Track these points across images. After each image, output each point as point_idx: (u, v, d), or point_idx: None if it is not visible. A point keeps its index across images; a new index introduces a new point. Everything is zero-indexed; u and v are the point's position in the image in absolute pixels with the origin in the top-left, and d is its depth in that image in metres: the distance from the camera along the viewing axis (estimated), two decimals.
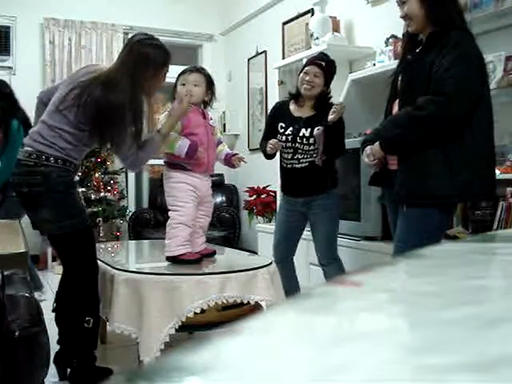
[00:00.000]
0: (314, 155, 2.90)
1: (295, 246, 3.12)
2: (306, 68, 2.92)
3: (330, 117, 2.76)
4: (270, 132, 3.02)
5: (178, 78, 2.55)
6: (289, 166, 2.97)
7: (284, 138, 2.94)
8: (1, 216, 3.16)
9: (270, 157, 3.03)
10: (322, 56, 3.04)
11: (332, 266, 2.97)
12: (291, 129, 2.93)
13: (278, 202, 3.24)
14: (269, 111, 3.25)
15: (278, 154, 3.06)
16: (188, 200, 2.45)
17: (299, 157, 2.92)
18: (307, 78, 2.89)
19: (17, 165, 2.26)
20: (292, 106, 3.01)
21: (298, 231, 3.10)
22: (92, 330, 2.34)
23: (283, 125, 2.96)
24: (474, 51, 2.06)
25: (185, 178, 2.46)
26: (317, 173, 2.91)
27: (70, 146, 2.25)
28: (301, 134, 2.91)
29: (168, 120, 2.38)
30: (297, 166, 2.94)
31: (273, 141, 2.89)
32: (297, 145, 2.91)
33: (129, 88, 2.19)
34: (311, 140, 2.89)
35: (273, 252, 3.12)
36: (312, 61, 2.96)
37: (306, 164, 2.92)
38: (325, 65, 2.93)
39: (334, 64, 3.02)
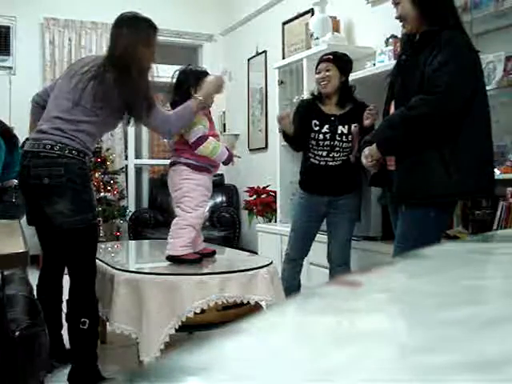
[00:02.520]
0: (349, 153, 2.91)
1: (310, 246, 3.07)
2: (318, 68, 2.95)
3: (366, 122, 2.76)
4: (302, 128, 2.95)
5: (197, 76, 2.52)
6: (322, 162, 2.92)
7: (321, 136, 2.90)
8: None
9: (293, 140, 2.97)
10: (331, 52, 3.06)
11: (345, 268, 2.96)
12: (327, 126, 2.90)
13: (297, 200, 3.13)
14: (294, 109, 3.17)
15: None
16: (202, 204, 2.47)
17: (335, 154, 2.90)
18: (320, 75, 2.90)
19: (34, 157, 2.23)
20: (323, 105, 2.97)
21: (315, 232, 3.07)
22: (89, 332, 2.27)
23: (317, 122, 2.91)
24: (466, 49, 2.06)
25: (205, 180, 2.47)
26: (348, 171, 2.93)
27: (90, 138, 2.28)
28: (339, 132, 2.89)
29: (205, 89, 2.40)
30: (331, 163, 2.91)
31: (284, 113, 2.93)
32: (336, 142, 2.89)
33: (131, 63, 2.22)
34: (350, 137, 2.89)
35: (288, 250, 3.06)
36: (320, 59, 2.99)
37: (340, 162, 2.91)
38: (333, 57, 2.94)
39: (346, 56, 3.02)
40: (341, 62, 2.94)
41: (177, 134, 2.44)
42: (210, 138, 2.43)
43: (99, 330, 2.68)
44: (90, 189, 2.32)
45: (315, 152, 2.94)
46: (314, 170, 2.97)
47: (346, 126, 2.89)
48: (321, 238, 3.10)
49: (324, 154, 2.91)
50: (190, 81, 2.48)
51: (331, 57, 2.94)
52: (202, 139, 2.40)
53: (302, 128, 2.95)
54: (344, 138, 2.89)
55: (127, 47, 2.23)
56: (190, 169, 2.44)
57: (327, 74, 2.89)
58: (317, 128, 2.91)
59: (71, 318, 2.29)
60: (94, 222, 2.32)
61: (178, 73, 2.54)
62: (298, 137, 2.96)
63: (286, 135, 3.00)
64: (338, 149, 2.89)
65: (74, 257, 2.32)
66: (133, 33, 2.25)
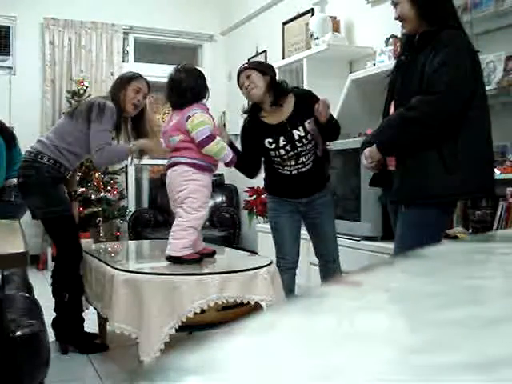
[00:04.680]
0: (315, 149, 2.78)
1: (299, 246, 2.96)
2: (239, 82, 2.78)
3: (322, 119, 2.62)
4: (252, 151, 2.82)
5: (205, 79, 2.59)
6: (294, 172, 2.77)
7: (282, 151, 2.73)
8: None
9: (245, 167, 2.84)
10: (244, 63, 2.91)
11: (337, 263, 2.91)
12: (283, 138, 2.71)
13: (268, 205, 2.98)
14: (240, 132, 2.95)
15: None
16: (205, 206, 2.47)
17: (304, 159, 2.75)
18: (245, 84, 2.73)
19: (22, 163, 2.90)
20: (266, 118, 2.78)
21: (300, 231, 2.96)
22: (69, 303, 2.83)
23: (270, 140, 2.73)
24: (466, 49, 2.06)
25: (208, 181, 2.48)
26: (319, 168, 2.82)
27: (71, 155, 2.86)
28: (297, 138, 2.71)
29: (141, 143, 2.89)
30: (302, 169, 2.77)
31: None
32: (299, 149, 2.72)
33: (107, 98, 2.93)
34: (309, 137, 2.73)
35: (283, 258, 2.89)
36: (237, 73, 2.81)
37: (311, 164, 2.77)
38: (249, 64, 2.82)
39: (263, 62, 2.99)
40: (257, 64, 2.84)
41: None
42: (218, 137, 2.46)
43: (100, 330, 2.88)
44: (58, 188, 2.87)
45: (282, 164, 2.77)
46: (287, 180, 2.80)
47: (301, 128, 2.70)
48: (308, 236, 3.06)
49: (292, 163, 2.75)
50: (188, 80, 2.50)
51: (246, 65, 2.80)
52: (209, 138, 2.41)
53: (254, 151, 2.79)
54: (305, 141, 2.71)
55: (110, 88, 3.03)
56: (194, 169, 2.43)
57: (249, 79, 2.71)
58: (273, 146, 2.73)
59: (55, 292, 2.89)
60: (65, 214, 2.86)
61: (173, 72, 2.55)
62: (250, 161, 2.82)
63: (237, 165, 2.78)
64: (303, 153, 2.73)
65: (57, 242, 2.93)
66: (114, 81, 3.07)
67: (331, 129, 2.73)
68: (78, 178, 3.29)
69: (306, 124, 2.71)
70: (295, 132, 2.71)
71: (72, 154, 2.85)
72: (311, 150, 2.76)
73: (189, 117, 2.42)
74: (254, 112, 2.82)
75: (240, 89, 2.81)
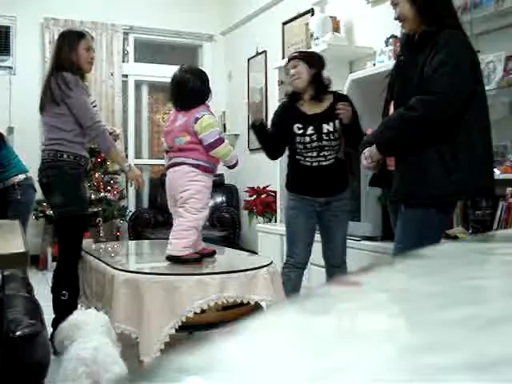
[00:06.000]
0: (339, 150, 2.84)
1: (311, 249, 2.98)
2: (287, 67, 2.92)
3: (345, 120, 2.74)
4: (280, 133, 2.90)
5: (208, 80, 2.61)
6: (314, 163, 2.82)
7: (308, 138, 2.80)
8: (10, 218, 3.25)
9: (271, 145, 2.95)
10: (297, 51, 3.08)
11: (343, 268, 2.92)
12: (312, 128, 2.79)
13: (287, 203, 3.02)
14: (273, 112, 3.10)
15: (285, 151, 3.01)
16: (207, 206, 2.49)
17: (326, 153, 2.80)
18: (291, 73, 2.85)
19: (41, 164, 2.89)
20: (302, 106, 2.88)
21: (314, 234, 2.97)
22: (68, 302, 2.80)
23: (300, 126, 2.81)
24: (465, 49, 2.06)
25: (210, 182, 2.51)
26: (340, 169, 2.86)
27: (73, 137, 2.80)
28: (325, 131, 2.79)
29: (133, 171, 2.94)
30: (324, 162, 2.81)
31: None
32: (324, 142, 2.79)
33: (55, 64, 2.86)
34: (336, 134, 2.80)
35: (293, 256, 2.90)
36: (288, 58, 2.97)
37: (333, 160, 2.82)
38: (299, 53, 2.92)
39: (314, 52, 3.08)
40: (307, 56, 2.91)
41: (94, 136, 2.83)
42: (226, 140, 2.53)
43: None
44: (79, 186, 2.91)
45: (304, 154, 2.84)
46: (307, 172, 2.87)
47: (331, 123, 2.79)
48: (319, 237, 3.06)
49: (314, 154, 2.81)
50: (195, 81, 2.50)
51: (297, 54, 2.91)
52: (219, 141, 2.46)
53: (282, 133, 2.88)
54: (331, 136, 2.79)
55: (55, 52, 2.92)
56: (198, 170, 2.45)
57: (296, 69, 2.82)
58: (301, 131, 2.81)
59: (55, 290, 2.87)
60: (83, 213, 2.93)
61: (177, 73, 2.55)
62: (276, 142, 2.92)
63: (262, 140, 2.95)
64: (327, 148, 2.80)
65: (65, 240, 2.91)
66: (58, 40, 2.95)
67: (353, 134, 2.78)
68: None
69: (336, 123, 2.81)
70: (325, 126, 2.81)
71: (78, 137, 2.83)
72: (335, 148, 2.83)
73: (197, 118, 2.43)
74: (293, 98, 2.93)
75: (286, 74, 2.96)
